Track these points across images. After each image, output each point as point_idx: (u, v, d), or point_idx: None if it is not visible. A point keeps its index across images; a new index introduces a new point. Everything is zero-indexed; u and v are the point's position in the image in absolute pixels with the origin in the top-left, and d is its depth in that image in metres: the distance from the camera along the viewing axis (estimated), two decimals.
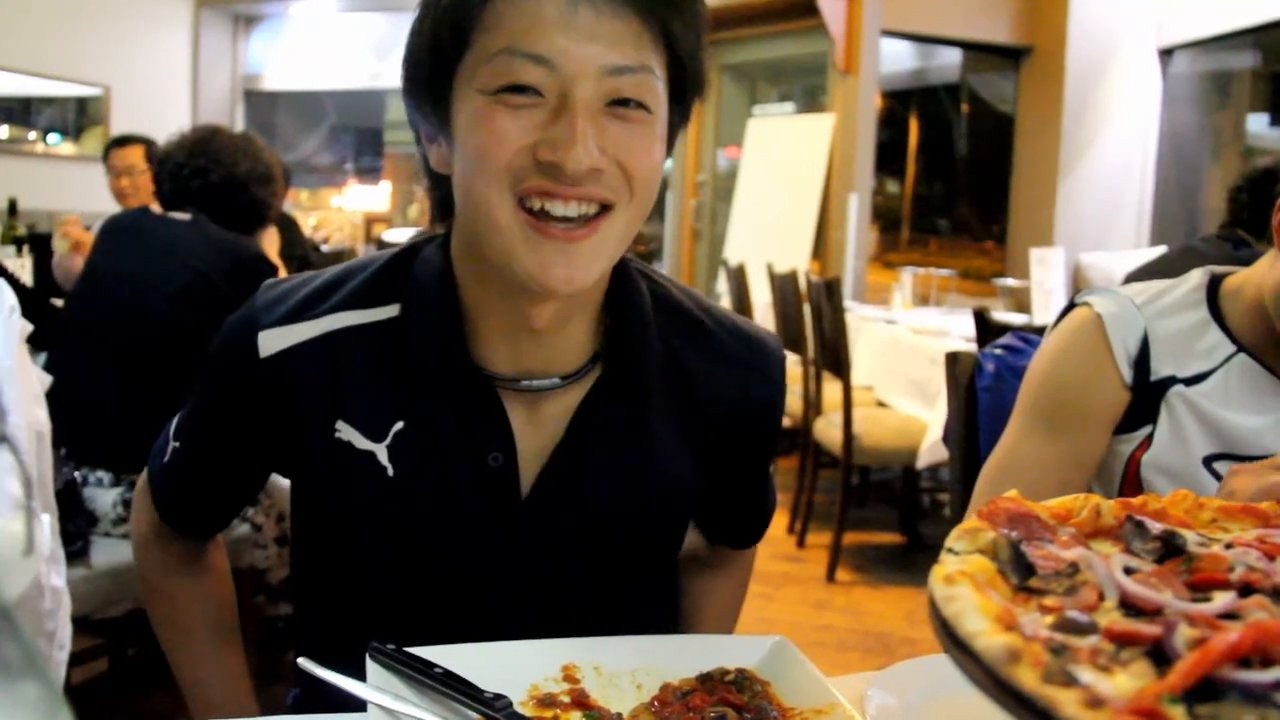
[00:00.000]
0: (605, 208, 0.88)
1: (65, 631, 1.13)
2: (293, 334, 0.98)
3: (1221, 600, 0.55)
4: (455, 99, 0.89)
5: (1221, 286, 1.28)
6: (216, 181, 2.42)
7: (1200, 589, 0.57)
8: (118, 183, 4.13)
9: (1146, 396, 1.24)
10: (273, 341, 0.98)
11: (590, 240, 0.88)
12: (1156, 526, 0.64)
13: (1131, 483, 1.26)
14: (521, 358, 0.98)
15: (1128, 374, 1.24)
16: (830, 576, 3.85)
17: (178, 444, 1.08)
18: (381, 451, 0.97)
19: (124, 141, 4.19)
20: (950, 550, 0.60)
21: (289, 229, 4.09)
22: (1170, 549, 0.62)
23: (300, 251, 4.05)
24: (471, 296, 0.98)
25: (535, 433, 1.00)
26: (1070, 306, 1.32)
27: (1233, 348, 1.24)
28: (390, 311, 0.99)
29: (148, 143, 4.14)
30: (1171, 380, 1.24)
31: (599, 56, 0.85)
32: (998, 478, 1.27)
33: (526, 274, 0.88)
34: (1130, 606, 0.55)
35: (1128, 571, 0.58)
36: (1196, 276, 1.30)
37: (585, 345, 1.01)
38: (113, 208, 3.98)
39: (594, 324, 1.01)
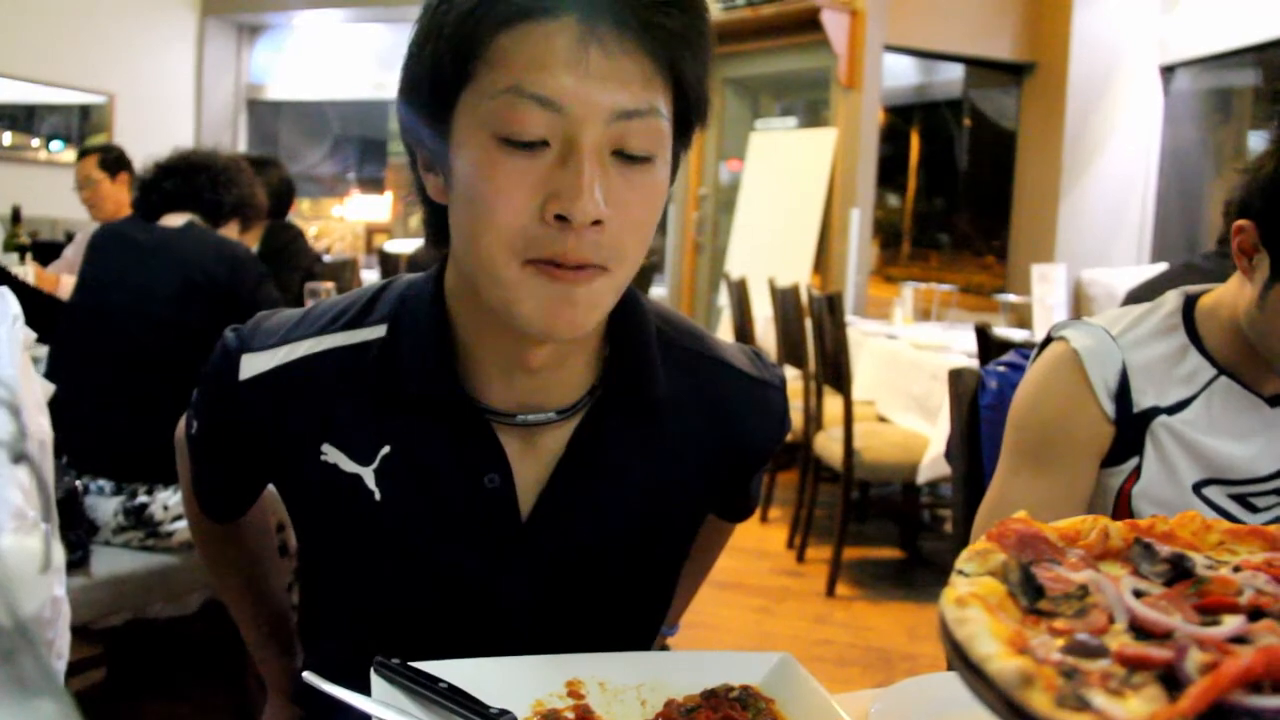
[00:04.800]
0: (601, 268, 0.86)
1: (64, 641, 1.13)
2: (274, 357, 0.98)
3: (1231, 624, 0.54)
4: (455, 132, 0.86)
5: (1197, 307, 1.28)
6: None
7: (1209, 612, 0.57)
8: (82, 195, 4.26)
9: (1131, 429, 1.24)
10: (253, 365, 0.98)
11: (590, 286, 0.86)
12: (1165, 549, 0.64)
13: (1123, 515, 1.25)
14: (517, 393, 0.97)
15: (1110, 408, 1.23)
16: (830, 591, 3.84)
17: (197, 423, 1.08)
18: (369, 475, 0.97)
19: (83, 154, 4.34)
20: (960, 572, 0.59)
21: (295, 240, 4.09)
22: (1179, 572, 0.62)
23: (306, 262, 4.05)
24: (466, 331, 0.96)
25: (532, 461, 0.99)
26: (1047, 340, 1.32)
27: (1213, 371, 1.24)
28: (377, 332, 0.98)
29: (102, 149, 4.29)
30: (1154, 411, 1.23)
31: (607, 99, 0.82)
32: (992, 520, 1.27)
33: (528, 320, 0.86)
34: (1140, 629, 0.55)
35: (1137, 594, 0.58)
36: (1172, 300, 1.29)
37: (583, 379, 0.99)
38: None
39: (593, 358, 1.00)
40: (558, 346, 0.94)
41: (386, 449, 0.97)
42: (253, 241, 3.31)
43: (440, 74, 0.85)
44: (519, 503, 0.98)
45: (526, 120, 0.81)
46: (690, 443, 1.05)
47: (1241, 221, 1.21)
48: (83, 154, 4.34)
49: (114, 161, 4.23)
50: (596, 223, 0.83)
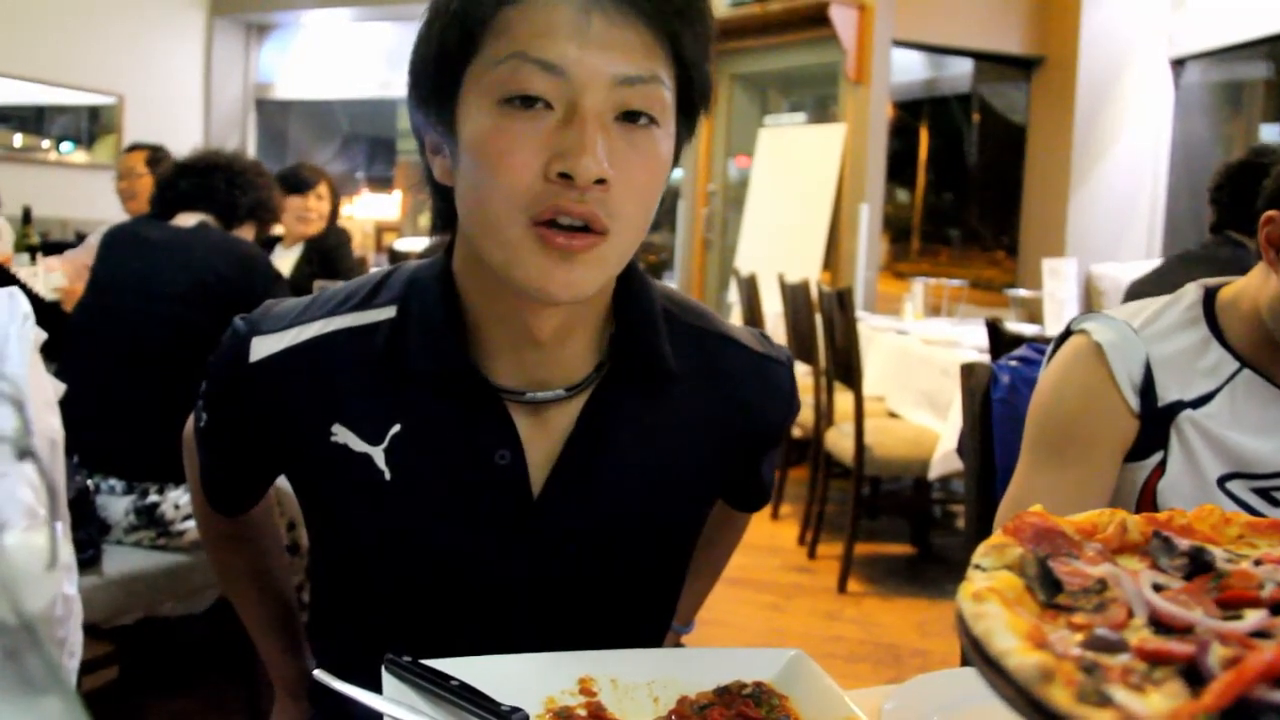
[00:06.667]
0: (602, 233, 0.87)
1: (76, 639, 1.13)
2: (283, 339, 0.99)
3: (1253, 618, 0.54)
4: (460, 107, 0.88)
5: (1217, 300, 1.26)
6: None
7: (1230, 606, 0.56)
8: (119, 184, 4.41)
9: (1155, 423, 1.22)
10: (263, 347, 0.98)
11: (590, 253, 0.87)
12: (1184, 543, 0.63)
13: (1148, 510, 1.24)
14: (525, 369, 0.97)
15: (1135, 403, 1.22)
16: (841, 587, 3.84)
17: (206, 415, 1.08)
18: (379, 455, 0.97)
19: (131, 148, 4.52)
20: (977, 566, 0.59)
21: (343, 245, 4.16)
22: (1198, 565, 0.61)
23: (352, 264, 4.14)
24: (475, 308, 0.97)
25: (542, 438, 0.99)
26: (1066, 334, 1.30)
27: (1235, 365, 1.22)
28: (387, 313, 0.98)
29: (153, 148, 4.42)
30: (1179, 405, 1.22)
31: (610, 66, 0.84)
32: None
33: (528, 281, 0.87)
34: (1160, 624, 0.54)
35: (1157, 589, 0.57)
36: (1191, 292, 1.28)
37: (590, 356, 1.00)
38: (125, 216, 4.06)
39: (599, 334, 1.01)
40: (563, 317, 0.94)
41: (396, 428, 0.97)
42: (292, 242, 3.34)
43: (447, 49, 0.87)
44: (530, 480, 0.98)
45: (530, 82, 0.84)
46: (698, 418, 1.05)
47: (1272, 212, 1.19)
48: (131, 148, 4.50)
49: (161, 161, 4.35)
50: (600, 182, 0.84)
